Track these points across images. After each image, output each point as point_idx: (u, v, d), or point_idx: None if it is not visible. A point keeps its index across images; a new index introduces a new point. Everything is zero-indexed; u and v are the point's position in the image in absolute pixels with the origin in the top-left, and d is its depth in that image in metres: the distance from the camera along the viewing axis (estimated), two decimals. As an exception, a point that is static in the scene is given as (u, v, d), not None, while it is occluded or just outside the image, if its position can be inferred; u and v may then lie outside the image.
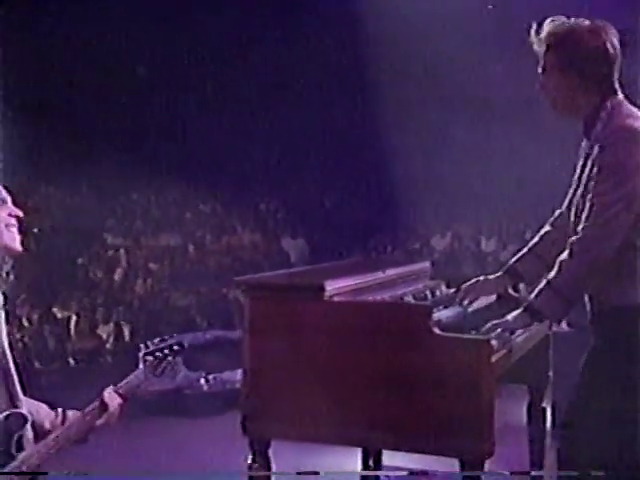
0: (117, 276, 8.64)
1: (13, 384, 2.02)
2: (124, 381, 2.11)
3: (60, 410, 2.14)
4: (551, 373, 3.07)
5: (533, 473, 2.98)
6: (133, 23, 9.70)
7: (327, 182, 11.11)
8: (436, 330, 2.27)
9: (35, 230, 9.50)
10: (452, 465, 2.28)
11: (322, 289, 2.38)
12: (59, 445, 2.03)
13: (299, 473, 2.64)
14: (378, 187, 10.82)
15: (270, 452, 2.48)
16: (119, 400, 2.08)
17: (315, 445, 2.63)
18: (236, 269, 7.99)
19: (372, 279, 2.69)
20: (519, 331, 2.44)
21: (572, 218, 2.37)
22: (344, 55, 10.20)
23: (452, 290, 2.86)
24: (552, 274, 2.28)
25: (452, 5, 8.86)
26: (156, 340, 2.11)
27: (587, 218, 2.26)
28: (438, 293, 2.95)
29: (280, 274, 3.02)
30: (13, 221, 2.11)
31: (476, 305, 2.63)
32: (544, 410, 3.18)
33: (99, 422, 2.06)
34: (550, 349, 3.08)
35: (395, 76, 9.51)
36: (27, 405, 2.07)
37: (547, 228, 2.58)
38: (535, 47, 2.37)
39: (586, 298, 2.38)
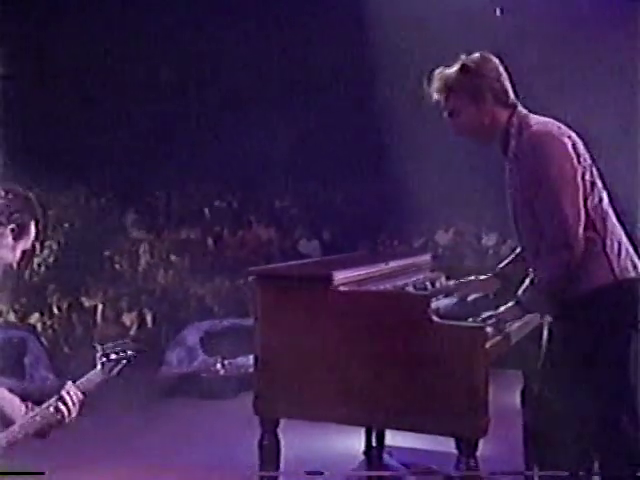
0: (140, 267, 8.70)
1: None
2: (83, 378, 2.09)
3: (30, 404, 2.06)
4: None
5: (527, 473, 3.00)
6: (148, 21, 9.66)
7: (338, 181, 11.11)
8: (434, 318, 2.29)
9: (66, 225, 9.59)
10: (449, 445, 2.30)
11: (329, 279, 2.40)
12: (17, 438, 1.95)
13: (308, 473, 2.65)
14: (386, 186, 10.82)
15: (279, 430, 2.52)
16: (79, 395, 2.04)
17: (321, 424, 2.64)
18: (251, 261, 8.01)
19: (376, 270, 2.71)
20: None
21: (520, 230, 2.42)
22: (357, 57, 10.14)
23: (451, 281, 2.89)
24: (534, 273, 2.35)
25: (461, 9, 8.84)
26: (110, 344, 2.11)
27: (547, 227, 2.28)
28: (438, 284, 2.96)
29: (290, 265, 3.05)
30: (7, 232, 1.97)
31: (472, 296, 2.66)
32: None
33: (58, 416, 2.00)
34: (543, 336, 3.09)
35: (401, 78, 9.48)
36: None
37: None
38: (435, 97, 2.41)
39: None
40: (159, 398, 5.71)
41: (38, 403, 2.03)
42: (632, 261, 2.35)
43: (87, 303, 7.51)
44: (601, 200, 2.36)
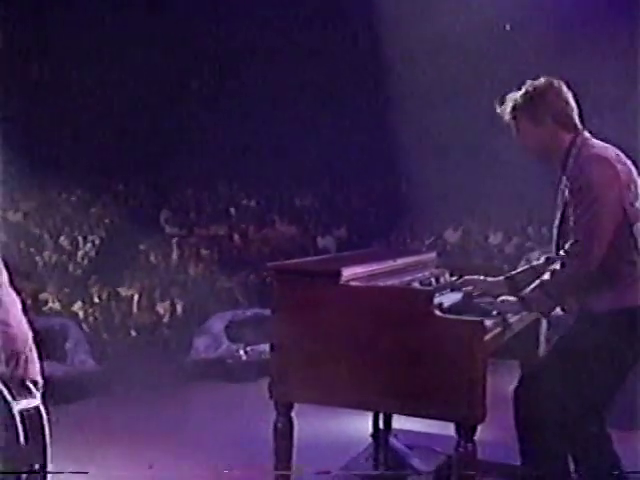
0: (173, 261, 8.77)
1: None
2: None
3: None
4: (541, 351, 3.06)
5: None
6: (165, 23, 9.65)
7: (354, 182, 11.09)
8: (436, 312, 2.28)
9: (106, 221, 9.71)
10: (450, 429, 2.29)
11: (339, 274, 2.40)
12: None
13: (318, 473, 2.65)
14: (398, 187, 10.78)
15: (293, 413, 2.52)
16: None
17: (331, 409, 2.64)
18: (274, 256, 8.03)
19: (384, 267, 2.70)
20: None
21: (559, 245, 2.41)
22: (375, 61, 10.07)
23: (454, 278, 2.88)
24: (545, 277, 2.35)
25: (472, 25, 8.81)
26: None
27: (573, 236, 2.30)
28: (442, 280, 2.95)
29: (304, 261, 3.04)
30: None
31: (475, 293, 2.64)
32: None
33: None
34: (541, 329, 3.07)
35: (417, 83, 9.42)
36: None
37: (551, 255, 2.58)
38: (506, 118, 2.45)
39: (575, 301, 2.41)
40: (187, 381, 5.76)
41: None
42: None
43: (124, 293, 7.59)
44: None
